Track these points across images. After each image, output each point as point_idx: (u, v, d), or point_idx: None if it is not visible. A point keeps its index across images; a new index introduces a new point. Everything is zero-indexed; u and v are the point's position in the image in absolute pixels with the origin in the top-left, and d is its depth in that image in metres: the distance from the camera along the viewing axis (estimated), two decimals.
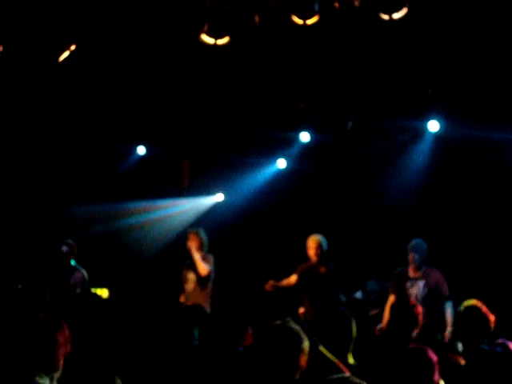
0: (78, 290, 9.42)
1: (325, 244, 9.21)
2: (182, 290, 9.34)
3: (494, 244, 10.56)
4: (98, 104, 11.07)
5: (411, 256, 8.83)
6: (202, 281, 9.11)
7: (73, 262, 9.83)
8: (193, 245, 9.20)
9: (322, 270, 9.17)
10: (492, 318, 5.75)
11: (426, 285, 8.69)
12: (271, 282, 9.13)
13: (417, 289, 8.69)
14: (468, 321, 5.74)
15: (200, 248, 9.26)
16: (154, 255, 12.03)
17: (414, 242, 8.92)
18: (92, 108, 11.17)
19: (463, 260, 10.42)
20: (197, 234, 9.32)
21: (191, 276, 9.26)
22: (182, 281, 9.30)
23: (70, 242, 9.90)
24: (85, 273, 9.77)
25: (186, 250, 9.20)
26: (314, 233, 9.41)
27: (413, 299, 8.46)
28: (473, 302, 5.86)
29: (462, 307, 5.87)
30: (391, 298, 8.75)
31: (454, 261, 10.11)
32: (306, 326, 5.33)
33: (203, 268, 9.07)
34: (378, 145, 11.33)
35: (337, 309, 5.44)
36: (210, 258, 9.30)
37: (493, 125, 9.99)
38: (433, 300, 8.56)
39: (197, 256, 9.11)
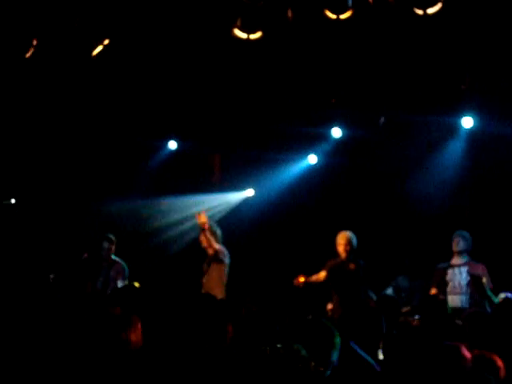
0: (120, 282, 9.60)
1: (354, 240, 9.16)
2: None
3: None
4: (130, 99, 11.11)
5: (456, 241, 8.86)
6: (214, 264, 9.31)
7: (113, 256, 10.09)
8: (203, 216, 9.35)
9: (352, 266, 9.12)
10: None
11: (469, 271, 8.67)
12: (301, 278, 9.09)
13: (459, 276, 8.66)
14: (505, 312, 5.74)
15: (214, 238, 9.43)
16: (184, 251, 12.05)
17: (460, 230, 8.97)
18: (123, 103, 11.21)
19: (499, 258, 10.29)
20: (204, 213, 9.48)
21: (206, 268, 9.47)
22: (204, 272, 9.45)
23: (111, 236, 10.16)
24: (125, 265, 9.94)
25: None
26: (345, 229, 9.36)
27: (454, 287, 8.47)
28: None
29: (498, 299, 5.90)
30: (432, 291, 8.77)
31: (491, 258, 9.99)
32: (335, 322, 5.29)
33: (214, 244, 9.31)
34: (411, 141, 11.23)
35: (366, 305, 5.41)
36: (224, 250, 9.44)
37: None
38: (476, 289, 8.44)
39: (208, 233, 9.32)
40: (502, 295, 7.66)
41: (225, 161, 12.96)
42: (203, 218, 9.36)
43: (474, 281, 8.46)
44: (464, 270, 8.72)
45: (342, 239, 9.14)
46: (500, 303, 5.96)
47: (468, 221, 10.82)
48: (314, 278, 9.28)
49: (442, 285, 8.79)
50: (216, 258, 9.37)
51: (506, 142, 10.41)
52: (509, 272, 9.83)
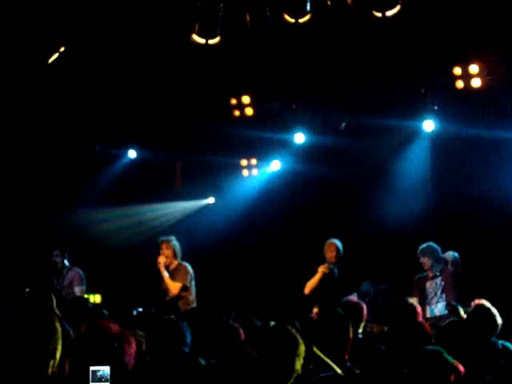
0: (77, 288, 9.33)
1: (341, 248, 9.44)
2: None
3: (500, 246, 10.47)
4: (88, 107, 10.96)
5: (421, 261, 9.06)
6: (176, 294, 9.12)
7: (66, 263, 9.74)
8: (162, 260, 9.17)
9: (336, 273, 9.35)
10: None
11: (442, 280, 8.94)
12: (308, 287, 9.19)
13: (435, 285, 8.94)
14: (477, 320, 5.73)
15: (174, 257, 9.24)
16: (143, 257, 11.90)
17: (420, 247, 9.11)
18: (81, 111, 11.05)
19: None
20: (169, 242, 9.25)
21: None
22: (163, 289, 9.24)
23: (62, 245, 9.80)
24: (81, 271, 9.67)
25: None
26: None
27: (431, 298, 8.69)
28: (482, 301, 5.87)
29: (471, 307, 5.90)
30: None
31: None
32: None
33: (173, 287, 9.09)
34: (373, 145, 11.23)
35: (333, 310, 5.31)
36: (186, 267, 9.23)
37: (489, 122, 9.93)
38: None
39: (165, 275, 9.14)
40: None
41: (185, 169, 12.86)
42: (164, 251, 9.19)
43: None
44: (439, 279, 8.97)
45: (333, 246, 9.40)
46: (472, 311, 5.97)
47: (432, 226, 10.87)
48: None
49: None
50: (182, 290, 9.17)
51: (467, 144, 10.47)
52: (474, 274, 9.87)
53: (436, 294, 8.93)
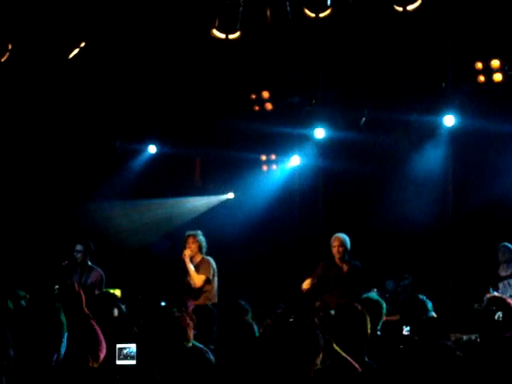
0: (97, 292, 9.29)
1: (348, 242, 9.24)
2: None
3: None
4: (109, 102, 11.00)
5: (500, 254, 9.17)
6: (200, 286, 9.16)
7: (89, 262, 9.66)
8: (187, 253, 9.24)
9: (345, 268, 9.17)
10: None
11: None
12: (309, 281, 9.02)
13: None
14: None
15: (199, 251, 9.32)
16: (165, 252, 11.94)
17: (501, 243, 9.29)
18: (103, 107, 11.09)
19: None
20: (195, 237, 9.30)
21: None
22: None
23: (86, 240, 9.77)
24: (102, 272, 9.65)
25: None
26: (329, 231, 9.39)
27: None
28: None
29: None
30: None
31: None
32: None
33: (197, 279, 9.17)
34: (393, 140, 11.17)
35: (352, 307, 5.30)
36: (209, 261, 9.30)
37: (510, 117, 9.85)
38: None
39: (190, 267, 9.20)
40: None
41: (205, 164, 12.87)
42: (189, 246, 9.26)
43: None
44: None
45: (336, 241, 9.20)
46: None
47: (452, 222, 10.81)
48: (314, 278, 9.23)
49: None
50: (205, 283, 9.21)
51: (488, 139, 10.38)
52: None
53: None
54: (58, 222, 11.72)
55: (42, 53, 9.01)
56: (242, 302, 6.49)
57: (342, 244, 9.16)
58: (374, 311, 6.05)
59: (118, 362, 4.19)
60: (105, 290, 9.39)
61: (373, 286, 10.14)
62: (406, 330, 6.27)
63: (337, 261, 9.20)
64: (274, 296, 9.95)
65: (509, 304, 5.89)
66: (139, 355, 4.14)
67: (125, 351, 4.20)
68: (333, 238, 9.30)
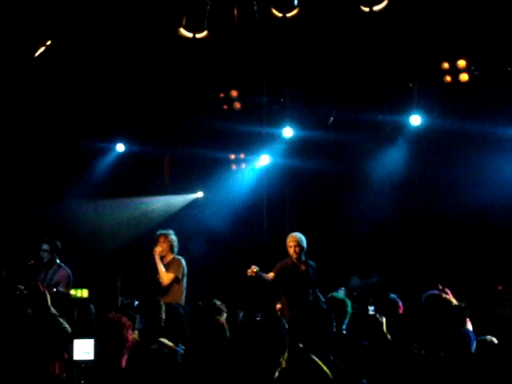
0: (62, 289, 9.26)
1: (304, 242, 9.12)
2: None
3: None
4: (75, 100, 10.92)
5: None
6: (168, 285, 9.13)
7: (57, 261, 9.60)
8: (158, 250, 9.19)
9: (302, 267, 9.09)
10: None
11: None
12: (254, 268, 8.91)
13: None
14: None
15: (170, 250, 9.25)
16: (134, 250, 11.89)
17: None
18: (69, 105, 11.01)
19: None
20: (167, 236, 9.26)
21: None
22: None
23: (53, 239, 9.71)
24: (69, 271, 9.60)
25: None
26: (296, 230, 9.31)
27: None
28: None
29: None
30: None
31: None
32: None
33: (165, 276, 9.10)
34: (360, 139, 11.24)
35: (317, 305, 5.32)
36: (180, 260, 9.25)
37: (476, 117, 9.96)
38: None
39: (159, 264, 9.15)
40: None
41: (174, 163, 12.84)
42: (160, 244, 9.16)
43: None
44: None
45: (292, 241, 9.09)
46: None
47: (417, 221, 10.90)
48: (265, 276, 9.17)
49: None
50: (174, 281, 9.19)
51: (454, 138, 10.50)
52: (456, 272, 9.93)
53: None
54: (24, 222, 11.60)
55: (8, 51, 8.93)
56: (218, 302, 6.47)
57: (299, 244, 9.04)
58: (339, 310, 6.10)
59: (76, 358, 4.27)
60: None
61: (339, 285, 10.23)
62: (371, 310, 6.31)
63: (294, 260, 9.06)
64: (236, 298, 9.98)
65: (445, 299, 5.95)
66: (96, 351, 4.18)
67: (82, 347, 4.26)
68: (289, 237, 9.15)
